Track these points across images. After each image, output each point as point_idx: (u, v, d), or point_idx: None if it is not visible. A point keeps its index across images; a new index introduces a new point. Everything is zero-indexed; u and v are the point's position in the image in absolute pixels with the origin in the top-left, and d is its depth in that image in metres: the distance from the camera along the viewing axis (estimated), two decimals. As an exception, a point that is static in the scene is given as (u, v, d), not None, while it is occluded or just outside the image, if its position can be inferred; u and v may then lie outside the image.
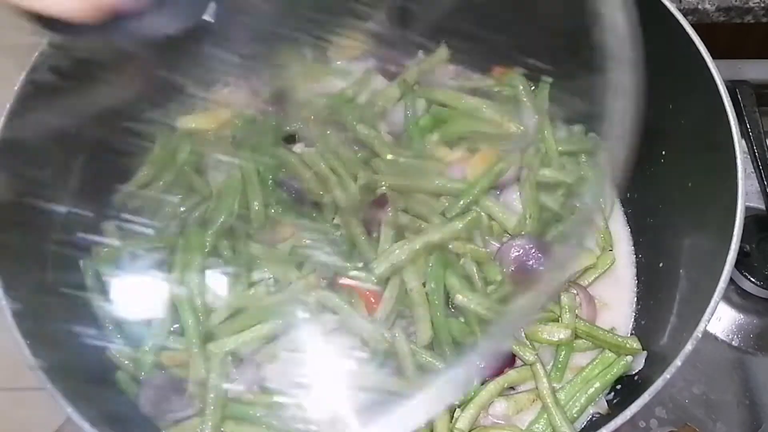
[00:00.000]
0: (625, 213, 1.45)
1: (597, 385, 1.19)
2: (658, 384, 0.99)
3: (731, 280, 1.49)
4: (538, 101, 1.44)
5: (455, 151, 1.38)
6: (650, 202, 1.38)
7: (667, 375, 1.00)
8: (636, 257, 1.40)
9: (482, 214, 1.31)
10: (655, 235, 1.37)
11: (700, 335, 1.01)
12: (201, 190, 1.34)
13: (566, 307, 1.23)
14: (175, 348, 1.19)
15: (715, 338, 1.46)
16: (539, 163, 1.35)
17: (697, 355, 1.45)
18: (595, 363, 1.22)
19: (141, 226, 1.29)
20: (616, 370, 1.20)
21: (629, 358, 1.20)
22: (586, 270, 1.33)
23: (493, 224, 1.32)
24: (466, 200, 1.30)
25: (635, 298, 1.37)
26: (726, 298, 1.49)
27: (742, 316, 1.48)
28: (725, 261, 1.04)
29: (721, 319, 1.48)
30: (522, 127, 1.39)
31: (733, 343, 1.46)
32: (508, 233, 1.31)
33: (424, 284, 1.21)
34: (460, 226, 1.25)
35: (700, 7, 1.70)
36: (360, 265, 1.22)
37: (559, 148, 1.39)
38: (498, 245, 1.29)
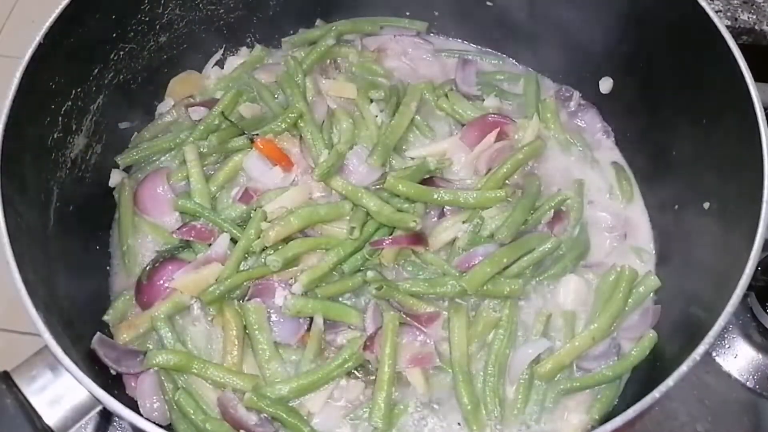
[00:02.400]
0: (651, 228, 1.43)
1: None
2: (647, 401, 0.94)
3: (753, 317, 1.42)
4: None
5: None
6: (671, 216, 1.34)
7: (656, 394, 0.94)
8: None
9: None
10: (676, 250, 1.33)
11: (698, 357, 0.96)
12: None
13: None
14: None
15: (729, 376, 1.39)
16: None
17: (707, 391, 1.37)
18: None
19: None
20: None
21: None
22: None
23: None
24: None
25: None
26: (746, 335, 1.42)
27: (761, 357, 1.40)
28: (737, 285, 0.99)
29: (738, 357, 1.40)
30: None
31: (748, 383, 1.38)
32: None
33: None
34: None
35: (756, 27, 1.63)
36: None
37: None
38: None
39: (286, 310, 1.23)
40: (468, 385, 1.19)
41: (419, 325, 1.23)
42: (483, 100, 1.54)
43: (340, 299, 1.28)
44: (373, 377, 1.20)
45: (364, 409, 1.19)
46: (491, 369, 1.22)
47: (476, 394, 1.19)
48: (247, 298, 1.25)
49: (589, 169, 1.48)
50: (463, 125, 1.48)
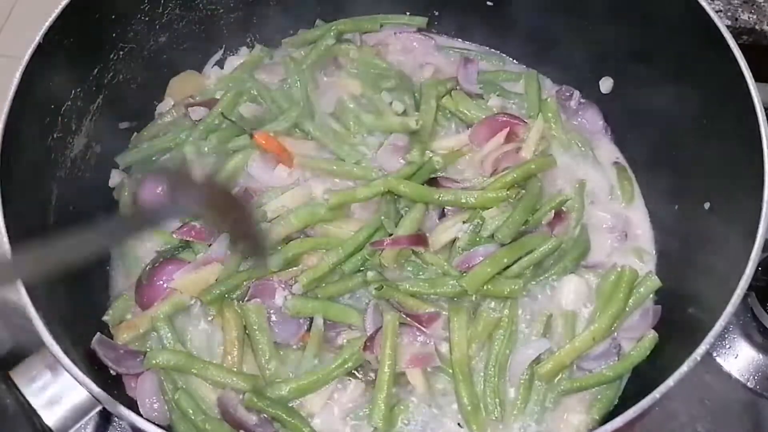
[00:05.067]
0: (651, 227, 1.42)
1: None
2: (647, 401, 0.94)
3: (754, 317, 1.41)
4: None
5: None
6: (671, 216, 1.35)
7: (656, 394, 0.94)
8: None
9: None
10: (676, 250, 1.33)
11: (699, 358, 0.96)
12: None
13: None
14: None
15: (729, 376, 1.39)
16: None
17: (707, 391, 1.37)
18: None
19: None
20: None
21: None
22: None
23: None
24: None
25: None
26: (746, 335, 1.42)
27: (761, 357, 1.40)
28: (737, 285, 0.99)
29: (738, 357, 1.40)
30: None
31: (749, 384, 1.38)
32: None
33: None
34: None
35: (757, 27, 1.63)
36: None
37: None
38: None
39: (286, 310, 1.22)
40: (468, 385, 1.19)
41: (419, 326, 1.23)
42: (484, 98, 1.53)
43: (340, 299, 1.28)
44: (374, 377, 1.20)
45: (364, 410, 1.19)
46: (491, 369, 1.21)
47: (476, 395, 1.19)
48: (246, 298, 1.25)
49: (590, 169, 1.48)
50: (467, 124, 1.48)
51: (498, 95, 1.55)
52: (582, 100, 1.55)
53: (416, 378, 1.20)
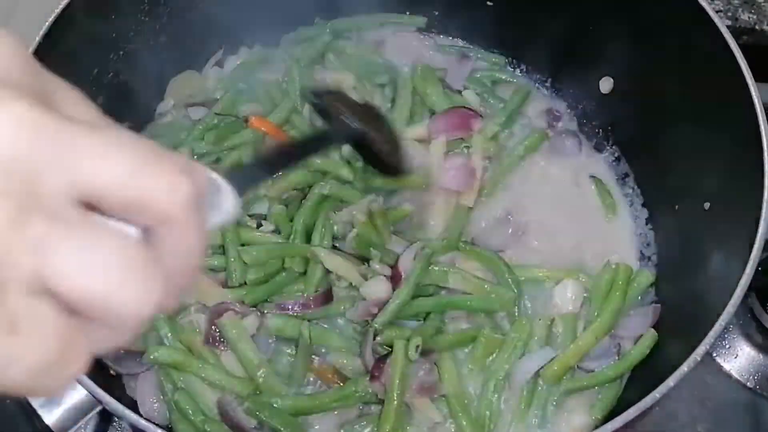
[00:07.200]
0: (651, 228, 1.42)
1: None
2: (647, 401, 0.94)
3: (754, 317, 1.41)
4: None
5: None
6: (671, 217, 1.34)
7: (656, 394, 0.94)
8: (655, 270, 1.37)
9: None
10: (676, 250, 1.33)
11: (699, 358, 0.96)
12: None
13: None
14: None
15: (729, 376, 1.38)
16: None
17: (707, 392, 1.37)
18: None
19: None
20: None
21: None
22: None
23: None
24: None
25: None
26: (746, 335, 1.42)
27: (761, 357, 1.40)
28: (737, 284, 0.99)
29: (738, 357, 1.40)
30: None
31: (749, 384, 1.38)
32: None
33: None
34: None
35: (757, 27, 1.63)
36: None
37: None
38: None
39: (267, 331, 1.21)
40: (468, 416, 1.16)
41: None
42: (462, 94, 1.52)
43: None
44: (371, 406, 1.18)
45: (362, 423, 1.17)
46: (491, 385, 1.19)
47: (479, 425, 1.16)
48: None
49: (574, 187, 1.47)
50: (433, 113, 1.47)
51: (477, 94, 1.52)
52: (568, 128, 1.54)
53: (426, 407, 1.16)
